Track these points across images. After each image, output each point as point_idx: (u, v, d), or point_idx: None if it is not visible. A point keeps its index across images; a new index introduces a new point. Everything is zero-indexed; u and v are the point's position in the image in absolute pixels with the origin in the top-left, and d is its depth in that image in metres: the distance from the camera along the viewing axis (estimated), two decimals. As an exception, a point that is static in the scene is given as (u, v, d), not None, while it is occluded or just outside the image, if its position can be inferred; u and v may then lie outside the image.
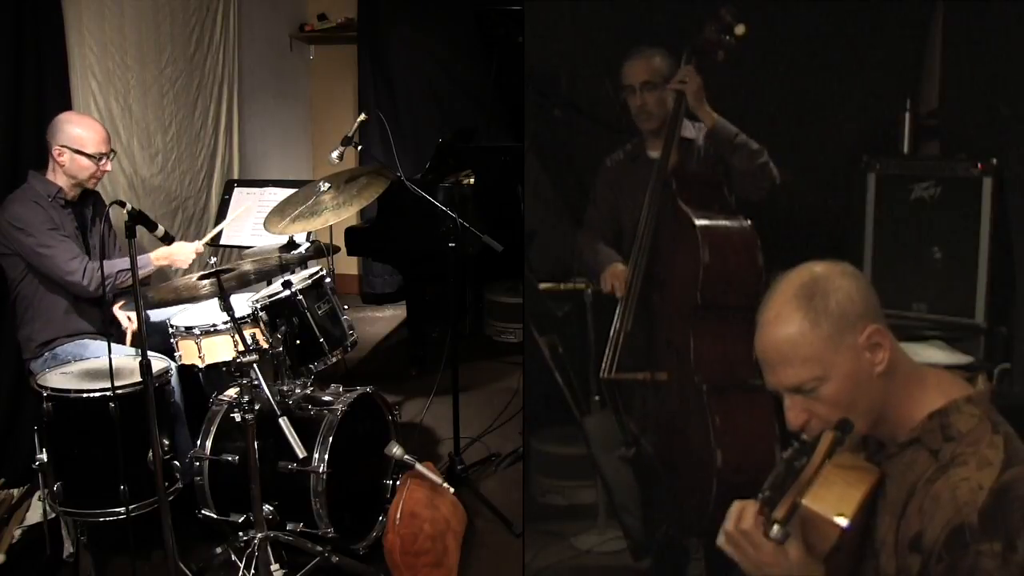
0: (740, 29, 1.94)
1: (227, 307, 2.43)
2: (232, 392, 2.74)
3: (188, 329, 2.81)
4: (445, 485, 2.62)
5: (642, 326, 2.17)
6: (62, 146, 2.77)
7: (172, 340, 2.84)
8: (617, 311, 2.17)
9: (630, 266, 2.16)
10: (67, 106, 3.18)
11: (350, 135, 3.08)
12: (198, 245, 3.10)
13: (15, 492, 2.83)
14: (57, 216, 2.79)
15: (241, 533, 2.46)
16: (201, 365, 2.81)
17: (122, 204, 2.13)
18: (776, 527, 1.35)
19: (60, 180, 2.82)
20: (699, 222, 2.05)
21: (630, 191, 2.20)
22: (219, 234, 3.42)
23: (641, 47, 2.13)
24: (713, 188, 2.09)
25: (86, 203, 2.98)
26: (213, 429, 2.64)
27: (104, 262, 2.72)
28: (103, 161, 2.86)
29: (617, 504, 2.24)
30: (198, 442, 2.63)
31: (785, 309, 1.43)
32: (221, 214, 3.73)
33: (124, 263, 2.79)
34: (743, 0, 1.98)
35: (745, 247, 2.04)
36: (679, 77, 2.07)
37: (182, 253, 3.02)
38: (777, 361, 1.45)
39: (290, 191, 3.09)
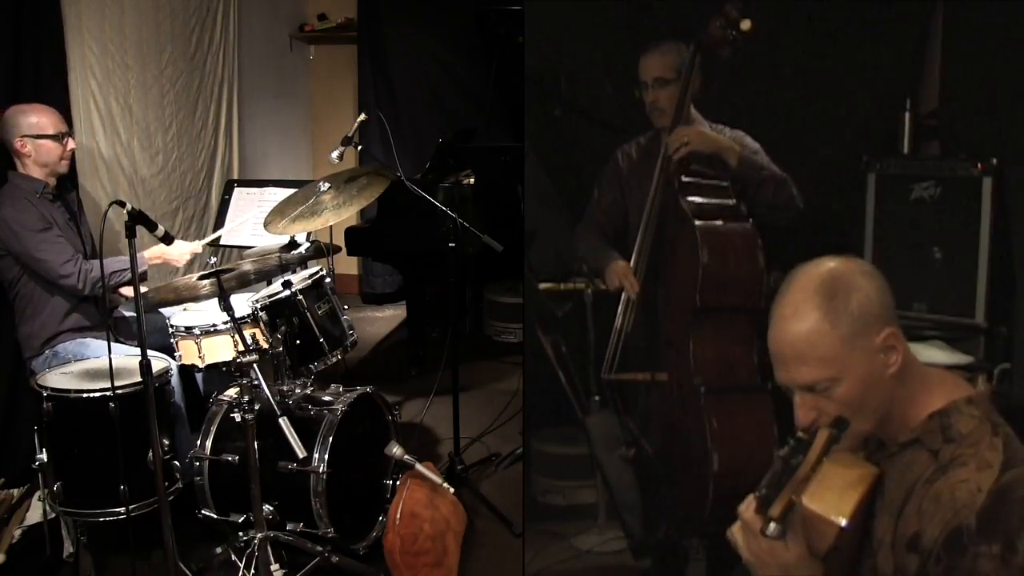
0: (746, 25, 1.92)
1: (227, 307, 2.42)
2: (232, 392, 2.74)
3: (188, 329, 2.81)
4: (445, 485, 2.61)
5: (643, 325, 2.16)
6: (22, 137, 2.79)
7: (172, 340, 2.84)
8: (619, 310, 2.16)
9: (632, 264, 2.15)
10: (66, 106, 3.18)
11: (350, 135, 3.08)
12: (195, 246, 3.11)
13: (15, 492, 2.82)
14: (47, 211, 2.81)
15: (241, 533, 2.46)
16: (201, 365, 2.81)
17: (122, 204, 2.12)
18: (772, 524, 1.34)
19: (35, 173, 2.83)
20: (699, 222, 2.03)
21: (641, 186, 2.19)
22: (218, 238, 3.43)
23: (657, 41, 2.10)
24: (717, 188, 2.08)
25: (69, 194, 3.02)
26: (213, 429, 2.64)
27: (98, 263, 2.73)
28: (66, 140, 2.87)
29: (618, 503, 2.24)
30: (198, 442, 2.63)
31: (804, 306, 1.40)
32: (221, 214, 3.73)
33: (118, 263, 2.81)
34: (741, 0, 1.98)
35: (746, 248, 2.02)
36: (674, 144, 2.05)
37: (175, 252, 3.03)
38: (792, 358, 1.41)
39: (290, 191, 3.09)
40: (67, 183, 3.04)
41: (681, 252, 2.07)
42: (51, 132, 2.82)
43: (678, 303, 2.10)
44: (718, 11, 1.94)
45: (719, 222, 2.05)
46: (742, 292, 2.01)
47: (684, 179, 2.08)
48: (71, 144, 2.91)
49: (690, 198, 2.07)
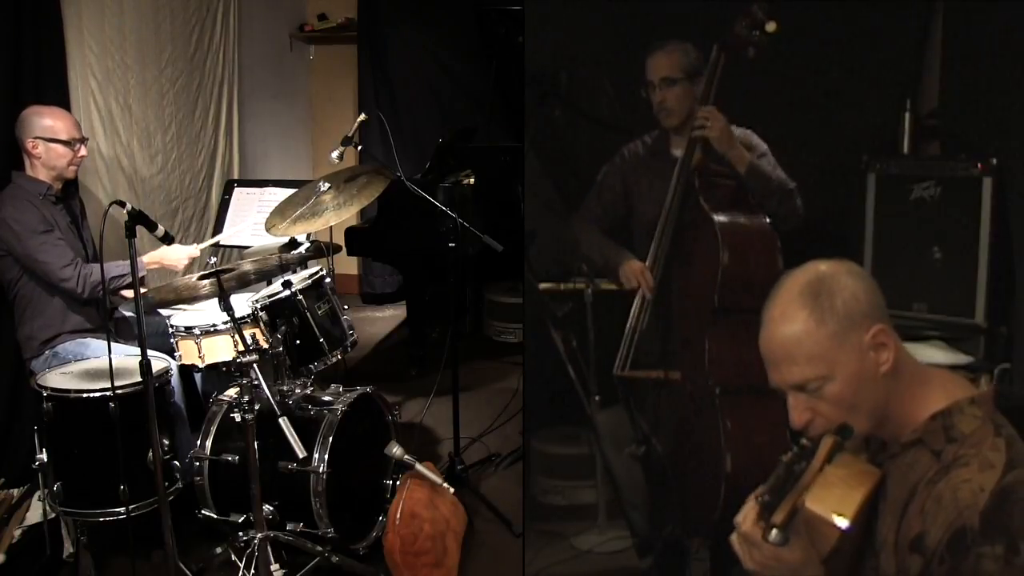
0: (771, 26, 1.91)
1: (227, 307, 2.42)
2: (232, 392, 2.74)
3: (188, 329, 2.81)
4: (445, 485, 2.62)
5: (658, 324, 2.16)
6: (35, 138, 2.80)
7: (172, 340, 2.84)
8: (633, 308, 2.16)
9: (649, 262, 2.14)
10: (67, 106, 3.18)
11: (350, 135, 3.07)
12: (192, 250, 3.10)
13: (15, 492, 2.82)
14: (49, 213, 2.81)
15: (241, 533, 2.45)
16: (201, 365, 2.81)
17: (122, 204, 2.13)
18: (775, 531, 1.34)
19: (41, 175, 2.84)
20: (719, 221, 2.02)
21: (648, 185, 2.17)
22: (217, 243, 3.43)
23: (663, 41, 2.09)
24: (736, 188, 2.06)
25: (73, 197, 3.02)
26: (213, 429, 2.64)
27: (97, 266, 2.74)
28: (78, 147, 2.88)
29: (624, 501, 2.24)
30: (198, 442, 2.63)
31: (791, 307, 1.42)
32: (221, 214, 3.73)
33: (118, 268, 2.82)
34: (742, 3, 1.98)
35: (765, 249, 2.01)
36: (699, 119, 2.02)
37: (173, 256, 3.02)
38: (782, 358, 1.44)
39: (290, 191, 3.09)
40: (71, 187, 3.04)
41: (700, 251, 2.06)
42: (63, 137, 2.82)
43: (695, 303, 2.09)
44: (744, 11, 1.93)
45: (739, 222, 2.03)
46: (760, 293, 2.00)
47: (705, 178, 2.07)
48: (83, 151, 2.91)
49: (711, 198, 2.06)
